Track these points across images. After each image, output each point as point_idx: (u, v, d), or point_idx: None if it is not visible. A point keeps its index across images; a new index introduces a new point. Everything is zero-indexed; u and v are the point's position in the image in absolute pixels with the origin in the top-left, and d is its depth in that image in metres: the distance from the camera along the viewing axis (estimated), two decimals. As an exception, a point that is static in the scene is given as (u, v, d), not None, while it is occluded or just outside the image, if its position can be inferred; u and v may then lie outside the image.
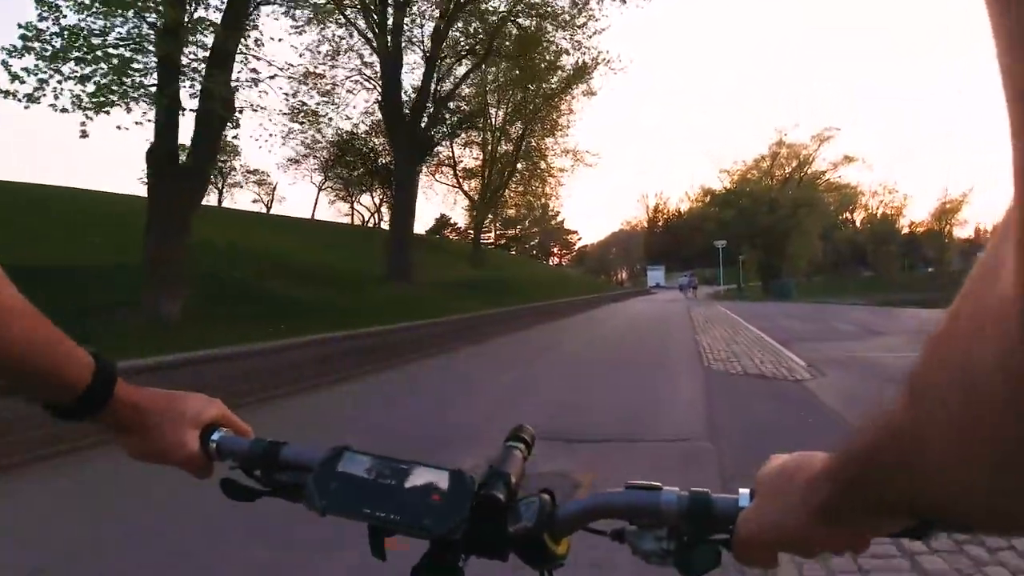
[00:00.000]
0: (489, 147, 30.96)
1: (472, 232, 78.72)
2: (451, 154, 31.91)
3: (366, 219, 49.33)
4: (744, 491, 0.53)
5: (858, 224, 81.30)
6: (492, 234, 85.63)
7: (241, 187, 42.59)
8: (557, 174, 32.46)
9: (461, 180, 32.17)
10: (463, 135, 30.25)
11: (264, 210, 41.81)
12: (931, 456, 0.27)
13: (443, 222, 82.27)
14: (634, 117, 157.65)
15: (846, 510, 0.39)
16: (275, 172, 43.35)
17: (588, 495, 0.59)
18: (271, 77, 16.12)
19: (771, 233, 50.54)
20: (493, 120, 30.13)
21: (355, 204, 40.06)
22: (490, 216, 36.37)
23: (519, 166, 31.36)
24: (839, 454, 0.39)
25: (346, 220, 45.51)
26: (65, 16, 7.94)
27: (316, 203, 45.91)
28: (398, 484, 0.60)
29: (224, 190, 39.85)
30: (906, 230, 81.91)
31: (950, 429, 0.26)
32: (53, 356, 0.57)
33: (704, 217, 56.95)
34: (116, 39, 8.21)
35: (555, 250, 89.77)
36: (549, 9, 19.36)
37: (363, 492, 0.59)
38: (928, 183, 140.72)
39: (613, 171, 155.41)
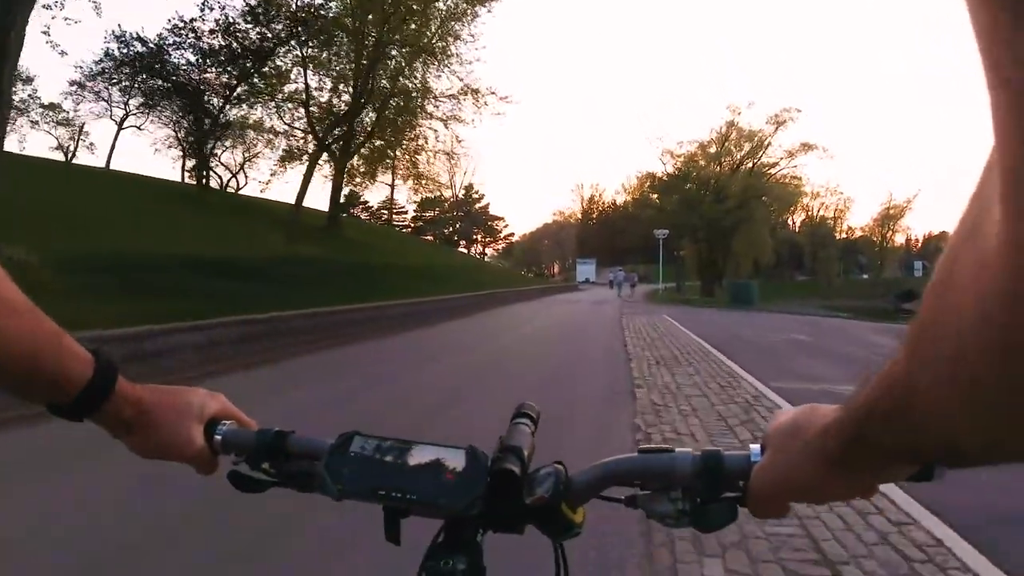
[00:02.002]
0: (350, 70, 21.86)
1: (386, 210, 69.84)
2: (305, 83, 22.67)
3: (225, 181, 39.29)
4: (755, 447, 0.54)
5: (797, 225, 77.70)
6: (407, 216, 77.48)
7: (37, 126, 31.99)
8: (446, 117, 23.73)
9: (314, 121, 22.85)
10: (313, 50, 21.11)
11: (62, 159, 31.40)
12: (927, 403, 0.29)
13: (352, 199, 72.44)
14: (571, 98, 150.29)
15: (854, 459, 0.40)
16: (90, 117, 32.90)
17: (599, 462, 0.60)
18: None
19: (716, 226, 43.67)
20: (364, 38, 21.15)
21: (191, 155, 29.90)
22: (363, 183, 27.03)
23: (393, 102, 22.44)
24: (845, 406, 0.40)
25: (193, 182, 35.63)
26: None
27: (113, 147, 35.46)
28: (411, 464, 0.59)
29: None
30: (843, 235, 79.19)
31: (942, 376, 0.27)
32: (55, 353, 0.55)
33: (643, 205, 49.38)
34: None
35: (478, 238, 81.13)
36: None
37: (376, 474, 0.59)
38: (876, 184, 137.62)
39: (548, 158, 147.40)
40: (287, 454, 0.65)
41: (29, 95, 31.33)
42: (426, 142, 24.77)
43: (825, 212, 76.60)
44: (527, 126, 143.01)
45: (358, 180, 26.68)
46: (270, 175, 32.06)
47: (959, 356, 0.26)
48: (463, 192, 75.90)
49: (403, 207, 75.64)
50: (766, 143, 46.77)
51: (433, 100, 23.19)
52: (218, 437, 0.67)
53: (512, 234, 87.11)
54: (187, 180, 30.76)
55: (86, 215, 14.17)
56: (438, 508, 0.57)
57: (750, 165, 47.35)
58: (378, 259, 21.68)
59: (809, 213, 77.37)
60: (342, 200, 69.32)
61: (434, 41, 21.56)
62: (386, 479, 0.59)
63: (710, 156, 46.80)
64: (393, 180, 45.13)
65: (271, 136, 26.19)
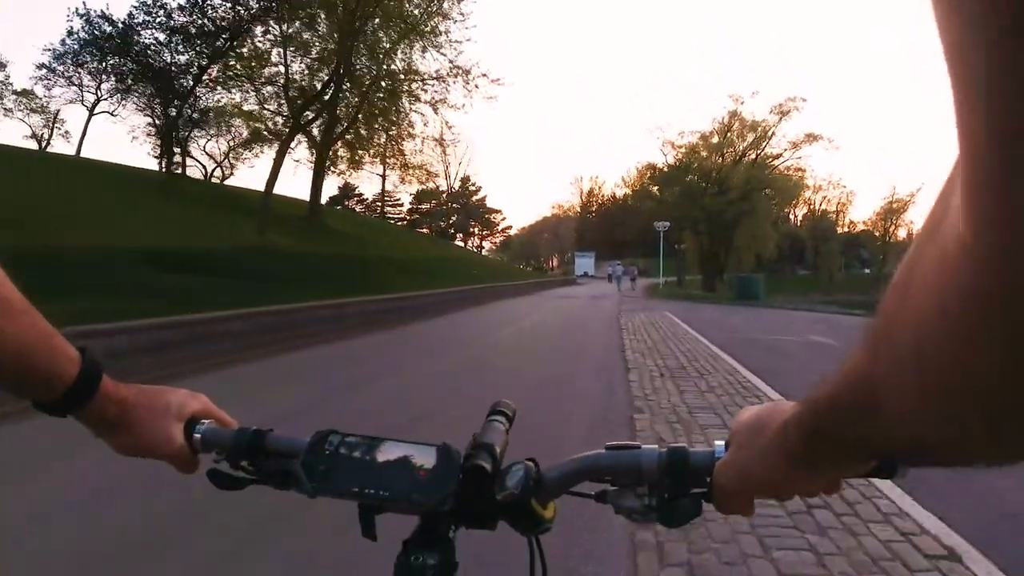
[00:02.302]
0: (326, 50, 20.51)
1: (379, 202, 68.22)
2: (284, 64, 21.27)
3: (210, 171, 38.01)
4: (719, 443, 0.55)
5: (798, 219, 76.54)
6: (403, 208, 75.98)
7: (11, 114, 30.62)
8: (434, 101, 22.36)
9: (295, 104, 21.48)
10: (291, 28, 19.76)
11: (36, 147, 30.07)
12: (888, 398, 0.29)
13: (347, 191, 71.01)
14: (570, 90, 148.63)
15: (814, 455, 0.41)
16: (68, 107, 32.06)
17: (569, 459, 0.60)
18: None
19: (718, 219, 42.40)
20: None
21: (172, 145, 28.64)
22: (348, 170, 25.67)
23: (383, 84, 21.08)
24: (805, 402, 0.40)
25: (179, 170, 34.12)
26: None
27: (84, 133, 34.15)
28: (385, 462, 0.60)
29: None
30: (844, 229, 78.12)
31: (903, 372, 0.27)
32: (46, 351, 0.56)
33: (642, 196, 48.02)
34: None
35: (475, 231, 79.71)
36: None
37: (351, 472, 0.60)
38: (878, 177, 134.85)
39: (546, 150, 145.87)
40: (266, 452, 0.66)
41: (1, 81, 29.95)
42: (413, 128, 23.42)
43: (827, 206, 75.45)
44: (524, 118, 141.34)
45: (342, 168, 25.30)
46: (239, 159, 30.63)
47: (919, 351, 0.26)
48: (459, 184, 74.55)
49: (399, 199, 74.49)
50: (770, 133, 45.39)
51: (420, 82, 21.82)
52: (197, 436, 0.67)
53: (510, 227, 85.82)
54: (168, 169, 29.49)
55: (47, 207, 12.94)
56: (411, 504, 0.58)
57: (753, 156, 46.02)
58: (361, 251, 20.45)
59: (811, 207, 76.32)
60: (336, 192, 68.88)
61: (419, 17, 20.14)
62: (360, 476, 0.59)
63: (712, 147, 45.44)
64: (384, 171, 43.80)
65: (254, 124, 24.78)
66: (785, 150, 46.40)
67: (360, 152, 23.76)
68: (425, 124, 23.94)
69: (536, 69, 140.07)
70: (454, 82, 21.78)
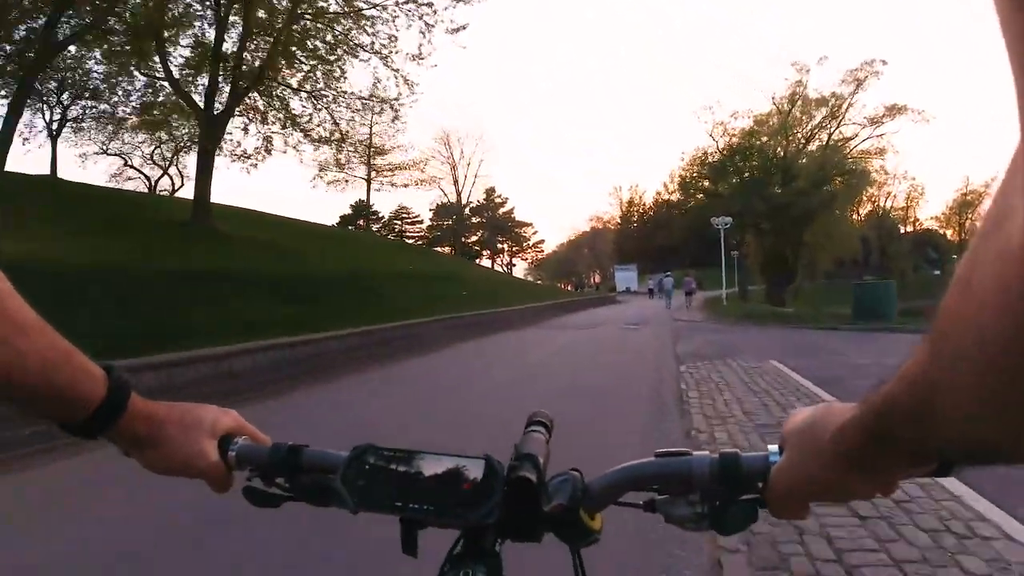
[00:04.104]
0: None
1: (363, 212, 61.21)
2: None
3: (155, 181, 31.97)
4: (773, 447, 0.53)
5: (861, 216, 67.72)
6: (422, 226, 69.54)
7: None
8: (380, 49, 15.21)
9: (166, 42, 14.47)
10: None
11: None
12: (951, 401, 0.29)
13: (360, 208, 64.92)
14: (603, 93, 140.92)
15: (873, 457, 0.40)
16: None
17: (616, 467, 0.60)
18: None
19: (784, 214, 34.20)
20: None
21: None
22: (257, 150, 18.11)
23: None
24: (866, 404, 0.39)
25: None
26: None
27: None
28: (427, 475, 0.59)
29: None
30: (908, 227, 69.44)
31: (964, 373, 0.27)
32: (69, 371, 0.55)
33: (691, 189, 39.77)
34: None
35: (504, 247, 72.60)
36: None
37: (393, 486, 0.59)
38: (947, 166, 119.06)
39: (584, 160, 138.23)
40: (301, 468, 0.65)
41: None
42: (343, 76, 16.17)
43: (893, 202, 66.10)
44: (557, 129, 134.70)
45: (247, 150, 17.95)
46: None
47: (981, 352, 0.25)
48: (484, 197, 67.80)
49: (417, 216, 68.15)
50: (844, 107, 37.01)
51: (353, 16, 14.71)
52: (232, 453, 0.66)
53: (542, 241, 78.38)
54: (59, 169, 23.30)
55: None
56: (456, 518, 0.57)
57: (825, 137, 37.73)
58: (252, 267, 13.32)
59: (875, 203, 66.98)
60: (348, 211, 62.62)
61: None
62: (403, 491, 0.58)
63: (772, 129, 37.20)
64: (369, 174, 37.06)
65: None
66: (863, 127, 37.87)
67: (272, 118, 16.49)
68: (378, 87, 16.77)
69: (566, 75, 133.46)
70: (397, 13, 14.65)
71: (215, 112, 15.19)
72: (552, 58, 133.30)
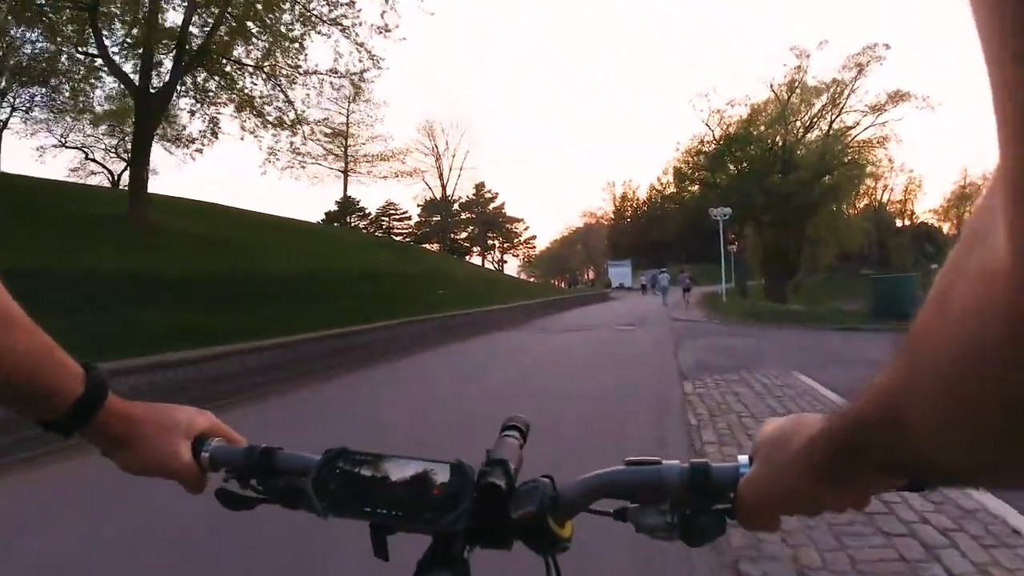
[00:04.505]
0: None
1: (346, 209, 59.05)
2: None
3: (118, 178, 30.09)
4: (743, 458, 0.53)
5: (858, 209, 66.16)
6: (411, 222, 67.57)
7: None
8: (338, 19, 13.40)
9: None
10: None
11: None
12: (925, 416, 0.28)
13: (345, 205, 62.91)
14: (597, 87, 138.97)
15: (844, 470, 0.40)
16: None
17: (587, 475, 0.58)
18: None
19: (785, 205, 32.54)
20: None
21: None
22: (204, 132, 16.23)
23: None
24: (837, 416, 0.39)
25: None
26: None
27: None
28: (398, 481, 0.59)
29: None
30: (905, 221, 68.03)
31: (942, 390, 0.26)
32: (49, 367, 0.55)
33: (687, 180, 37.98)
34: None
35: (495, 243, 70.74)
36: None
37: (363, 491, 0.59)
38: (941, 157, 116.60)
39: (576, 156, 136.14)
40: (275, 471, 0.64)
41: None
42: (301, 50, 14.33)
43: (890, 195, 64.71)
44: (549, 125, 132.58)
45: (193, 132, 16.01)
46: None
47: (956, 371, 0.25)
48: (473, 192, 65.91)
49: (405, 212, 66.11)
50: (846, 94, 35.31)
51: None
52: (205, 454, 0.65)
53: (534, 237, 76.48)
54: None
55: None
56: (424, 524, 0.56)
57: (826, 126, 36.00)
58: (182, 266, 11.58)
59: (872, 196, 65.54)
60: (334, 207, 60.65)
61: None
62: (372, 496, 0.58)
63: (771, 117, 35.48)
64: (346, 166, 35.16)
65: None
66: (864, 114, 36.15)
67: (222, 99, 14.63)
68: (339, 62, 14.97)
69: (560, 69, 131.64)
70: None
71: (152, 90, 13.36)
72: (546, 53, 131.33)
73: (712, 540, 0.54)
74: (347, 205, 63.28)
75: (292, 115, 15.15)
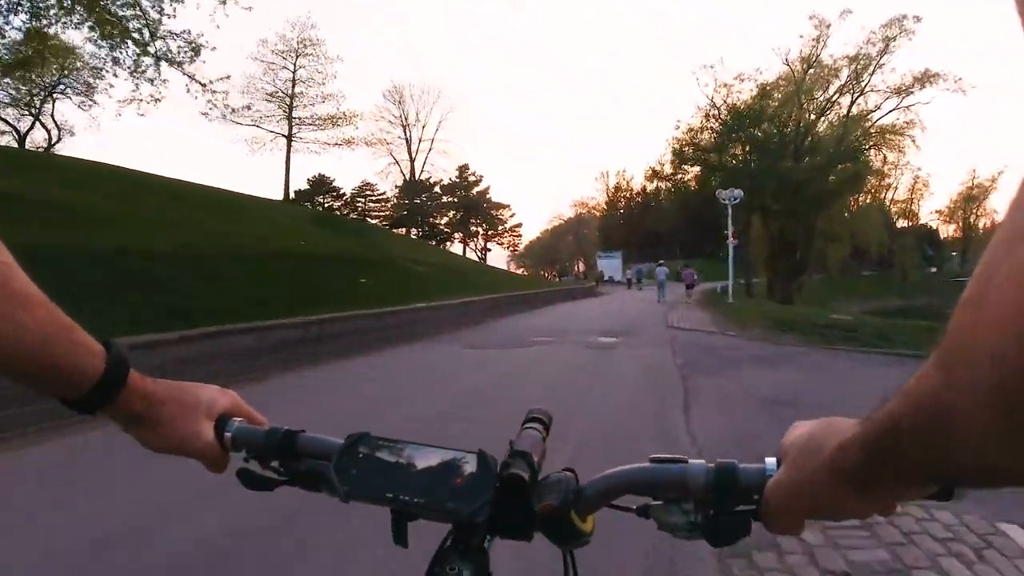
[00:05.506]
0: None
1: (363, 197, 53.90)
2: None
3: (24, 136, 25.75)
4: (770, 460, 0.53)
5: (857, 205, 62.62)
6: (388, 205, 62.97)
7: None
8: None
9: None
10: None
11: None
12: (961, 422, 0.28)
13: (319, 183, 58.38)
14: (593, 72, 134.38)
15: (873, 476, 0.39)
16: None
17: (611, 471, 0.58)
18: None
19: (799, 193, 28.62)
20: None
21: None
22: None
23: None
24: (869, 422, 0.38)
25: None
26: None
27: None
28: (420, 468, 0.59)
29: None
30: (909, 222, 64.77)
31: (980, 395, 0.26)
32: (68, 345, 0.55)
33: (686, 161, 33.68)
34: None
35: (478, 230, 66.42)
36: None
37: (385, 477, 0.59)
38: (949, 158, 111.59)
39: (567, 146, 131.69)
40: (297, 453, 0.64)
41: None
42: None
43: (894, 193, 61.30)
44: (542, 112, 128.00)
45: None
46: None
47: (998, 374, 0.24)
48: (456, 175, 61.51)
49: (383, 194, 61.64)
50: (871, 71, 31.29)
51: None
52: (228, 434, 0.65)
53: (520, 225, 72.15)
54: None
55: None
56: (445, 512, 0.56)
57: (846, 106, 32.08)
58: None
59: (875, 195, 62.09)
60: (306, 186, 56.10)
61: None
62: (394, 482, 0.58)
63: (785, 95, 31.42)
64: (290, 130, 30.80)
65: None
66: (888, 97, 32.18)
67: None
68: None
69: (551, 57, 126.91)
70: None
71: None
72: (539, 38, 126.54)
73: (736, 541, 0.53)
74: (320, 184, 59.07)
75: (142, 22, 10.89)
